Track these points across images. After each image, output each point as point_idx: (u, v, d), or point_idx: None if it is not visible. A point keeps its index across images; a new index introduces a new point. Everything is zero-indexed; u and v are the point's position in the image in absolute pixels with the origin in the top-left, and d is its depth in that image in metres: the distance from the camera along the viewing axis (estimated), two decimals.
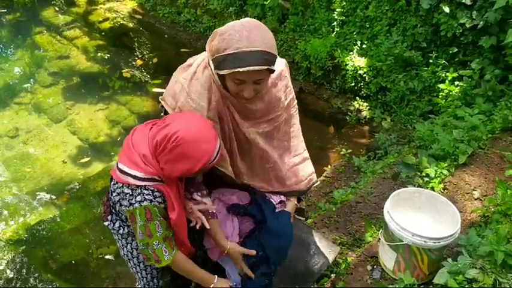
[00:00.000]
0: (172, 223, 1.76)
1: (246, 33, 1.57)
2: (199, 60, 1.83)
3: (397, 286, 1.76)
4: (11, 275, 3.24)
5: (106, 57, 5.89)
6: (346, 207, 2.83)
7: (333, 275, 2.28)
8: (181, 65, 1.91)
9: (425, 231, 1.97)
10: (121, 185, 1.72)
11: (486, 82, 3.55)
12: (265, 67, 1.59)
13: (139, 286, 2.13)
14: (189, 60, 1.90)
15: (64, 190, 3.96)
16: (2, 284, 3.18)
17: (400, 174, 2.86)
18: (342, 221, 2.72)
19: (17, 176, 4.09)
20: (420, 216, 2.16)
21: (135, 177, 1.69)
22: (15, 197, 3.89)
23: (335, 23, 4.61)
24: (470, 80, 3.64)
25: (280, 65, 1.89)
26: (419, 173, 2.82)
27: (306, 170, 2.11)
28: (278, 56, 1.73)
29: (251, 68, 1.56)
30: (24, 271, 3.27)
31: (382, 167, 3.21)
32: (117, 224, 1.90)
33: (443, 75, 3.83)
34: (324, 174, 3.62)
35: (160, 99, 1.91)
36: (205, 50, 1.74)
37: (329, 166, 3.77)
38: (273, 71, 1.67)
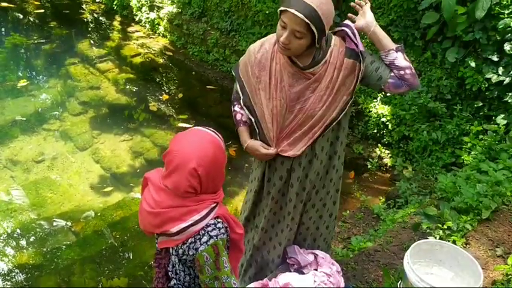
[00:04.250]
0: (238, 238, 1.71)
1: None
2: None
3: None
4: None
5: (134, 90, 6.07)
6: (364, 255, 2.78)
7: None
8: None
9: (446, 285, 1.92)
10: (182, 243, 1.63)
11: (511, 138, 3.52)
12: (306, 19, 1.78)
13: None
14: None
15: (82, 218, 3.99)
16: None
17: (420, 224, 2.81)
18: (359, 268, 2.67)
19: (38, 201, 4.15)
20: (441, 269, 2.11)
21: (196, 222, 1.60)
22: (34, 221, 3.94)
23: None
24: (495, 134, 3.62)
25: None
26: (440, 225, 2.77)
27: None
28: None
29: (292, 10, 1.79)
30: None
31: (402, 216, 3.16)
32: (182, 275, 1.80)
33: (468, 128, 3.82)
34: (342, 219, 3.58)
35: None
36: (231, 89, 1.88)
37: (348, 211, 3.74)
38: (314, 37, 1.86)
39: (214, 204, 1.66)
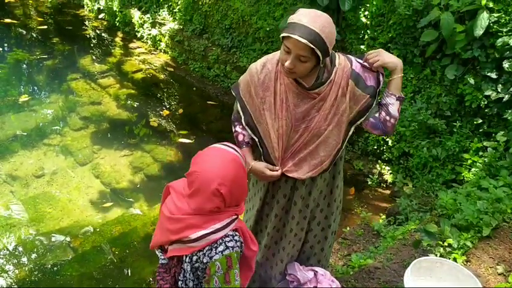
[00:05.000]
0: (251, 255, 1.73)
1: (312, 15, 1.84)
2: None
3: None
4: None
5: (135, 105, 6.10)
6: (364, 272, 2.76)
7: None
8: None
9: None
10: (197, 251, 1.65)
11: (511, 155, 3.52)
12: (310, 44, 1.79)
13: None
14: None
15: (81, 233, 3.98)
16: None
17: (421, 242, 2.79)
18: (360, 286, 2.65)
19: (37, 216, 4.13)
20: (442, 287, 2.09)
21: (216, 230, 1.63)
22: (33, 236, 3.92)
23: None
24: (495, 151, 3.62)
25: None
26: (441, 243, 2.76)
27: None
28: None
29: (296, 36, 1.79)
30: None
31: (403, 233, 3.15)
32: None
33: (468, 144, 3.82)
34: (342, 236, 3.56)
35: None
36: (232, 105, 1.87)
37: (348, 228, 3.72)
38: (319, 59, 1.86)
39: (235, 216, 1.69)
